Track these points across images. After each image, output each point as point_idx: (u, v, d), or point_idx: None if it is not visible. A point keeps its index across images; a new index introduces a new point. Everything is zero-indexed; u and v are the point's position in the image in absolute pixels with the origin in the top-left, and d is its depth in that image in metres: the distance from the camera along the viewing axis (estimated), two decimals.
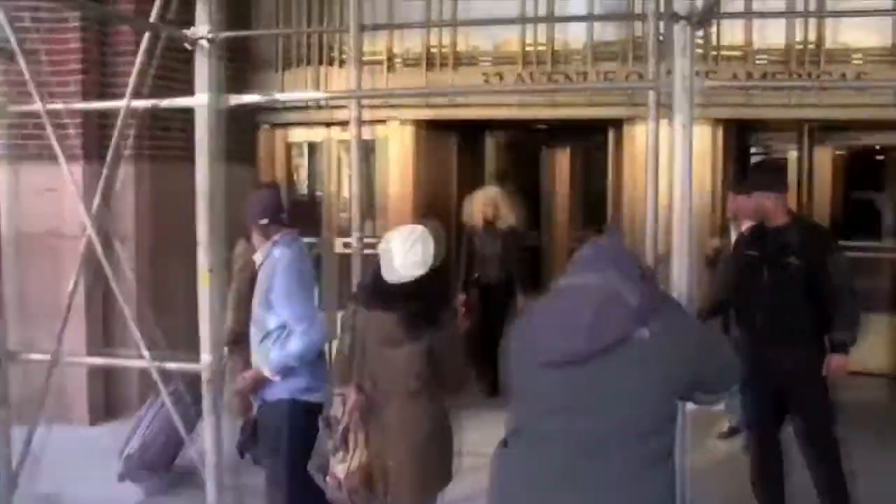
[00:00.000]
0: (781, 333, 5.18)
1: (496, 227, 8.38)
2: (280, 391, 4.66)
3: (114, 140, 4.97)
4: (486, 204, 8.38)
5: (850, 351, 5.19)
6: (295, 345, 4.53)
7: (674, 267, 4.06)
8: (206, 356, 4.90)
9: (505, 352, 3.01)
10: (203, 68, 4.77)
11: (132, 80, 4.90)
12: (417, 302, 3.93)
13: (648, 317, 2.73)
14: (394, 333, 3.94)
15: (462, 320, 4.58)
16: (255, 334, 4.80)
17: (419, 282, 3.96)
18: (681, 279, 4.01)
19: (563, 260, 10.20)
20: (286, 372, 4.61)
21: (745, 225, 6.18)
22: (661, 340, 2.70)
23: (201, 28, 4.72)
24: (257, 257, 4.80)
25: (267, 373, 4.64)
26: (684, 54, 4.05)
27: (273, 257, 4.67)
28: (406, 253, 3.97)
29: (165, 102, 5.07)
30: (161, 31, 4.81)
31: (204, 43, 4.73)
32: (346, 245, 8.61)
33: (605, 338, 2.67)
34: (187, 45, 4.80)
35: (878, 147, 9.66)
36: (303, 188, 10.32)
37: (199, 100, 4.78)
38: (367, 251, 6.11)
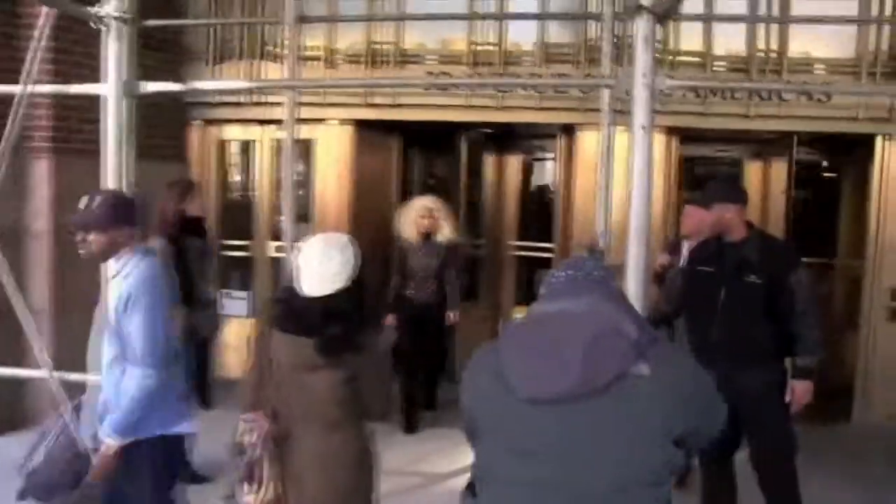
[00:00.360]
0: (739, 355, 4.88)
1: (433, 240, 7.77)
2: (143, 428, 4.03)
3: (8, 128, 4.41)
4: (422, 215, 7.72)
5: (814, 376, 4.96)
6: (134, 395, 3.91)
7: (628, 281, 3.74)
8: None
9: (468, 385, 2.60)
10: (112, 52, 4.33)
11: (29, 63, 4.39)
12: (337, 323, 3.49)
13: (647, 350, 2.34)
14: (310, 358, 3.51)
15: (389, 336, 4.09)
16: (99, 349, 4.17)
17: (339, 298, 3.52)
18: (636, 293, 3.69)
19: (507, 273, 9.93)
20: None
21: (694, 240, 5.90)
22: (661, 377, 2.32)
23: (109, 6, 4.28)
24: (111, 268, 4.08)
25: (112, 438, 3.94)
26: (646, 49, 3.72)
27: (134, 274, 3.96)
28: (324, 263, 3.53)
29: (70, 88, 4.64)
30: (62, 6, 4.32)
31: (113, 22, 4.28)
32: (279, 249, 8.22)
33: (603, 374, 2.29)
34: (94, 25, 4.36)
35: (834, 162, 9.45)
36: (236, 188, 9.79)
37: (108, 86, 4.34)
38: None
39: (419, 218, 7.68)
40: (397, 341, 4.10)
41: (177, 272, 5.91)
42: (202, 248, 6.24)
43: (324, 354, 3.49)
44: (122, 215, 3.97)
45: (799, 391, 4.94)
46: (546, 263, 9.25)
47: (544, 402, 2.32)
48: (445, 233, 7.77)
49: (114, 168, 4.37)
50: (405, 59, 8.45)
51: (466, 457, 6.55)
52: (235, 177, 9.82)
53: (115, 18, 4.28)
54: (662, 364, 2.35)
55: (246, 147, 9.57)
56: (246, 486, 3.63)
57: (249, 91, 8.56)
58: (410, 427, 7.65)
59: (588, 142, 8.11)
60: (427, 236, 7.73)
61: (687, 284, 5.39)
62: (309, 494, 3.60)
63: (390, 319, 7.44)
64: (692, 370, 2.51)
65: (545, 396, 2.32)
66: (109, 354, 4.01)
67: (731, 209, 5.02)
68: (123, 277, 3.94)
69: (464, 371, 2.64)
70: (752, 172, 9.20)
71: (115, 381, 3.98)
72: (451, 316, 7.87)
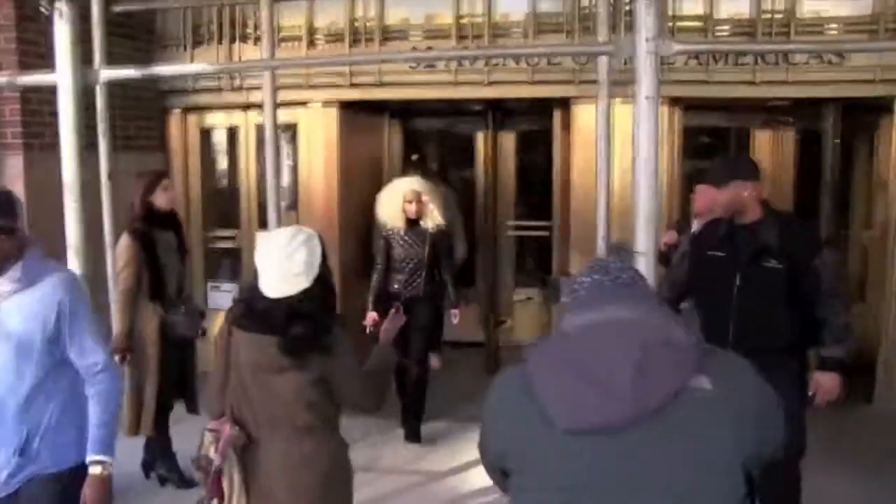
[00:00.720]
0: (758, 347, 4.04)
1: (420, 227, 7.05)
2: (68, 455, 3.49)
3: None
4: (408, 200, 6.99)
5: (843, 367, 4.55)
6: (115, 399, 3.50)
7: (637, 265, 3.38)
8: None
9: (494, 416, 2.24)
10: (62, 37, 3.98)
11: None
12: (301, 322, 3.27)
13: (703, 359, 2.01)
14: (275, 358, 3.30)
15: (394, 323, 3.83)
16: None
17: (303, 297, 3.31)
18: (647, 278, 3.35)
19: (506, 258, 9.61)
20: (65, 427, 3.50)
21: (705, 219, 5.54)
22: (724, 390, 1.99)
23: None
24: (5, 280, 3.40)
25: (107, 457, 3.43)
26: (650, 11, 3.35)
27: (56, 280, 3.42)
28: (285, 262, 3.29)
29: (20, 79, 4.29)
30: None
31: (62, 7, 3.93)
32: None
33: (658, 392, 1.94)
34: (43, 10, 4.02)
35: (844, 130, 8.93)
36: (220, 177, 9.44)
37: (59, 75, 4.00)
38: None
39: (405, 203, 7.03)
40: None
41: (146, 268, 5.64)
42: (174, 243, 5.89)
43: (288, 355, 3.27)
44: (21, 214, 3.45)
45: (825, 385, 4.54)
46: (545, 242, 8.93)
47: (590, 432, 1.97)
48: (435, 218, 7.10)
49: (71, 162, 4.03)
50: (388, 35, 8.04)
51: (466, 454, 6.34)
52: (219, 165, 9.45)
53: (67, 1, 3.93)
54: (723, 375, 2.02)
55: (228, 134, 9.21)
56: (214, 502, 3.41)
57: (230, 76, 8.24)
58: (411, 435, 7.08)
59: (584, 116, 7.65)
60: (413, 223, 7.06)
61: (696, 271, 4.93)
62: None
63: (371, 318, 6.86)
64: (756, 380, 2.15)
65: (590, 425, 1.97)
66: (30, 380, 3.39)
67: (748, 187, 4.58)
68: (30, 287, 3.37)
69: (485, 401, 2.27)
70: (762, 143, 8.77)
71: (40, 410, 3.42)
72: (456, 314, 7.25)
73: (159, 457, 6.06)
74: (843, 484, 5.79)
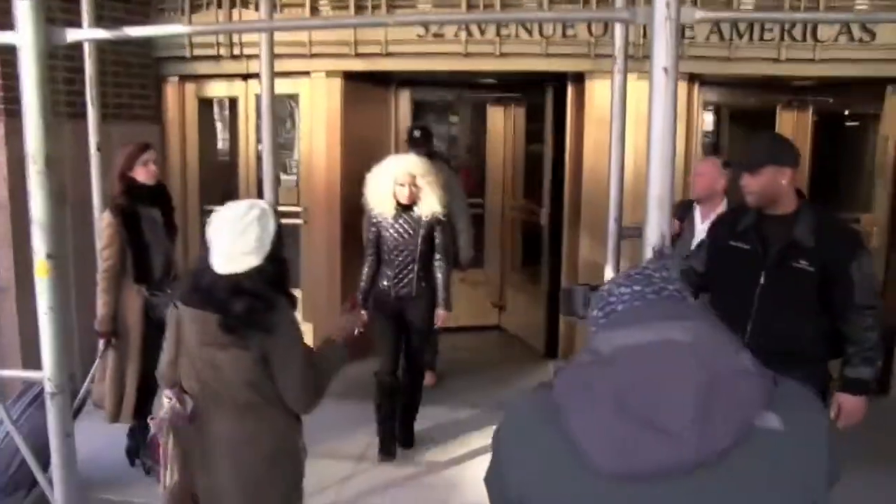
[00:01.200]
0: (778, 357, 3.61)
1: (414, 213, 6.08)
2: None
3: None
4: (401, 182, 6.01)
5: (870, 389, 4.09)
6: None
7: (648, 252, 3.05)
8: (47, 364, 3.87)
9: (511, 453, 1.78)
10: None
11: None
12: (243, 300, 3.23)
13: (775, 393, 1.65)
14: (217, 336, 3.28)
15: (351, 319, 3.81)
16: None
17: (251, 274, 3.27)
18: None
19: (512, 239, 9.25)
20: None
21: (707, 204, 5.33)
22: (797, 432, 1.62)
23: None
24: None
25: None
26: None
27: None
28: (235, 239, 3.27)
29: None
30: None
31: None
32: None
33: (726, 432, 1.57)
34: None
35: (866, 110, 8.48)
36: (219, 149, 9.20)
37: (21, 35, 3.67)
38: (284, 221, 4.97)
39: (397, 185, 6.03)
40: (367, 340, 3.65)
41: (129, 247, 5.35)
42: (160, 219, 5.59)
43: (227, 332, 3.25)
44: None
45: (849, 408, 4.06)
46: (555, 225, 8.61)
47: (639, 480, 1.59)
48: (431, 204, 6.08)
49: (34, 130, 3.73)
50: (396, 4, 7.64)
51: (465, 444, 6.06)
52: (218, 137, 9.19)
53: None
54: (792, 412, 1.64)
55: (227, 104, 8.93)
56: (161, 469, 3.49)
57: (229, 43, 7.90)
58: (386, 453, 6.30)
59: (599, 92, 7.34)
60: (406, 208, 6.08)
61: (713, 263, 4.41)
62: (218, 482, 3.43)
63: (363, 315, 5.88)
64: (822, 413, 1.79)
65: (640, 471, 1.58)
66: None
67: (786, 174, 4.04)
68: None
69: (499, 431, 1.84)
70: (786, 123, 8.30)
71: None
72: (441, 315, 6.27)
73: (143, 444, 5.81)
74: (858, 480, 5.42)
